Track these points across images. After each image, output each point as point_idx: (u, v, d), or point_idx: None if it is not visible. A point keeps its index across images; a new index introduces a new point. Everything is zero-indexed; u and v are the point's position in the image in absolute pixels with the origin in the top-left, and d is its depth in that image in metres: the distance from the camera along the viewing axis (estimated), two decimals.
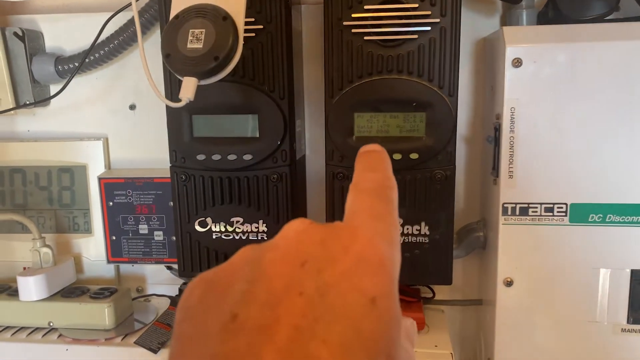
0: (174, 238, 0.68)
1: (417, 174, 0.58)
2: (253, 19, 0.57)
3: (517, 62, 0.55)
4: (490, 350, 0.61)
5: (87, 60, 0.68)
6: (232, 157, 0.60)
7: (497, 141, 0.58)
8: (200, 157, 0.60)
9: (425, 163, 0.58)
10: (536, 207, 0.57)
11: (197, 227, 0.63)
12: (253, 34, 0.57)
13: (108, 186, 0.71)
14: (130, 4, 0.56)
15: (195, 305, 0.21)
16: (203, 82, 0.44)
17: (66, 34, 0.72)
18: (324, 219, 0.63)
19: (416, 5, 0.54)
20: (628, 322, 0.57)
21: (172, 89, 0.60)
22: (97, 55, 0.68)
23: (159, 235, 0.71)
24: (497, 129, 0.57)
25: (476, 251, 0.68)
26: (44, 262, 0.69)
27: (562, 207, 0.56)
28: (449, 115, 0.56)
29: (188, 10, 0.44)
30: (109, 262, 0.73)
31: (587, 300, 0.57)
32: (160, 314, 0.70)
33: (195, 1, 0.45)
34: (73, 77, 0.68)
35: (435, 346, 0.61)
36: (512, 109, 0.55)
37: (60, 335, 0.67)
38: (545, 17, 0.60)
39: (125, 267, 0.77)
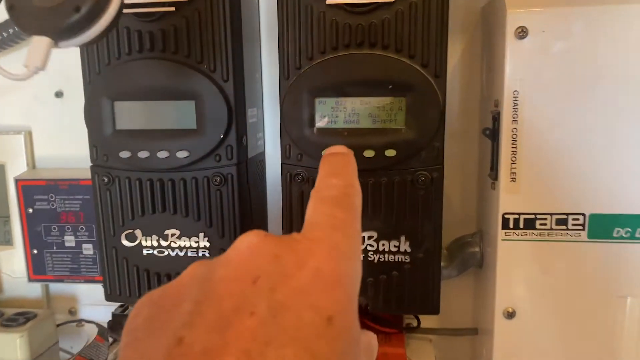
0: None
1: (395, 176, 0.46)
2: None
3: (521, 32, 0.42)
4: None
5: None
6: (163, 154, 0.48)
7: (495, 134, 0.46)
8: (125, 154, 0.48)
9: (405, 162, 0.45)
10: (545, 219, 0.45)
11: (124, 242, 0.51)
12: None
13: (27, 190, 0.59)
14: None
15: (140, 327, 0.20)
16: (63, 45, 0.32)
17: None
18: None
19: None
20: None
21: (89, 66, 0.48)
22: (11, 30, 0.56)
23: (88, 249, 0.59)
24: (496, 119, 0.45)
25: (471, 269, 0.56)
26: None
27: (578, 219, 0.44)
28: (435, 101, 0.44)
29: None
30: (30, 280, 0.61)
31: (609, 337, 0.45)
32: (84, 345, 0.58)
33: None
34: None
35: None
36: (515, 92, 0.43)
37: None
38: None
39: (56, 285, 0.65)
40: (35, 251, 0.60)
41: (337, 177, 0.26)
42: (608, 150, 0.43)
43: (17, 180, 0.59)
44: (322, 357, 0.17)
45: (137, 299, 0.51)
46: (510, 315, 0.46)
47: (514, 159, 0.44)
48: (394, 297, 0.48)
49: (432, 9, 0.43)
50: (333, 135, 0.45)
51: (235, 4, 0.47)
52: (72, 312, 0.65)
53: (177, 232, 0.50)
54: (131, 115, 0.48)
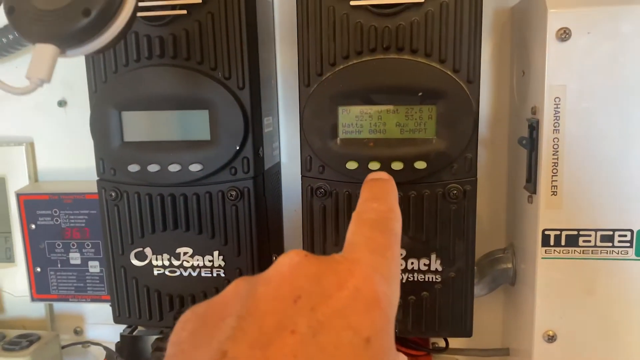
0: None
1: (425, 190, 0.42)
2: None
3: (563, 34, 0.39)
4: None
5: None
6: (174, 167, 0.44)
7: (533, 144, 0.42)
8: (133, 167, 0.45)
9: (436, 175, 0.42)
10: (589, 235, 0.41)
11: (134, 261, 0.47)
12: (199, 1, 0.42)
13: (29, 204, 0.55)
14: None
15: (185, 340, 0.20)
16: (70, 54, 0.28)
17: None
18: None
19: None
20: None
21: (95, 74, 0.45)
22: (10, 36, 0.53)
23: (94, 267, 0.56)
24: (534, 128, 0.42)
25: (501, 286, 0.52)
26: None
27: (625, 235, 0.41)
28: (467, 109, 0.41)
29: None
30: (33, 299, 0.57)
31: None
32: None
33: None
34: None
35: None
36: (557, 99, 0.40)
37: None
38: None
39: (60, 303, 0.62)
40: (38, 269, 0.57)
41: (378, 202, 0.27)
42: None
43: (18, 195, 0.56)
44: None
45: (148, 322, 0.49)
46: (550, 338, 0.43)
47: (555, 171, 0.41)
48: (424, 320, 0.45)
49: (465, 10, 0.40)
50: (358, 146, 0.42)
51: (250, 6, 0.44)
52: (77, 331, 0.62)
53: (190, 251, 0.46)
54: (140, 126, 0.45)
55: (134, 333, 0.53)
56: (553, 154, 0.41)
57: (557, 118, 0.40)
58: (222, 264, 0.46)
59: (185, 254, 0.47)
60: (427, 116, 0.41)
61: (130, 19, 0.28)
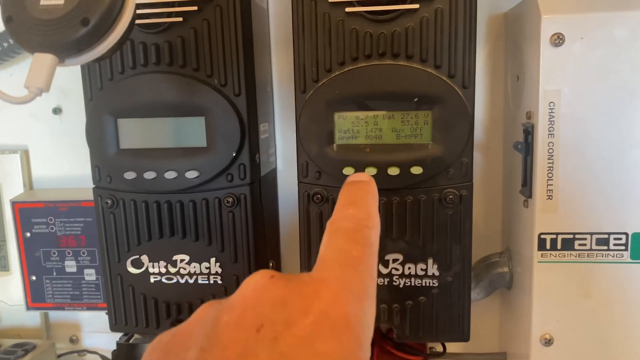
0: None
1: (422, 195, 0.43)
2: None
3: (557, 39, 0.39)
4: None
5: None
6: (171, 174, 0.44)
7: (528, 149, 0.42)
8: (130, 175, 0.45)
9: (432, 180, 0.42)
10: (585, 239, 0.42)
11: (130, 268, 0.47)
12: (195, 8, 0.42)
13: (24, 212, 0.55)
14: None
15: None
16: (69, 63, 0.28)
17: None
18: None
19: None
20: None
21: (91, 81, 0.45)
22: (5, 44, 0.53)
23: (90, 274, 0.56)
24: (530, 132, 0.42)
25: (498, 290, 0.52)
26: None
27: (620, 239, 0.41)
28: (463, 114, 0.41)
29: None
30: (28, 308, 0.57)
31: None
32: None
33: None
34: None
35: None
36: (551, 104, 0.40)
37: None
38: None
39: (56, 312, 0.61)
40: (33, 277, 0.56)
41: (355, 207, 0.25)
42: None
43: (13, 203, 0.55)
44: None
45: (145, 329, 0.48)
46: (548, 342, 0.43)
47: (550, 175, 0.41)
48: (422, 325, 0.45)
49: (459, 15, 0.40)
50: (354, 151, 0.42)
51: (246, 13, 0.44)
52: (73, 340, 0.62)
53: (187, 258, 0.46)
54: (136, 133, 0.45)
55: (131, 341, 0.52)
56: (548, 158, 0.41)
57: (552, 123, 0.40)
58: (219, 270, 0.46)
59: (182, 261, 0.46)
60: (423, 121, 0.42)
61: (129, 28, 0.28)
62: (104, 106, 0.44)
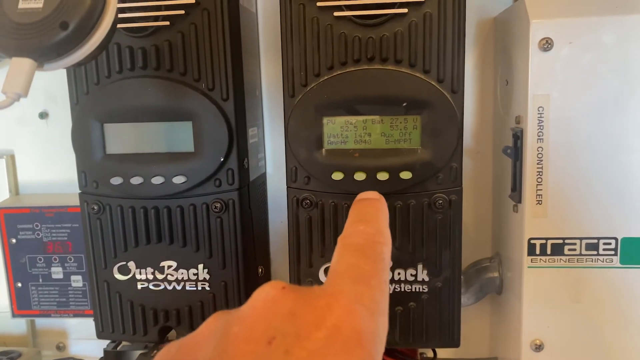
0: None
1: (411, 200, 0.42)
2: None
3: (545, 44, 0.39)
4: None
5: None
6: (158, 179, 0.44)
7: (518, 153, 0.42)
8: (116, 180, 0.44)
9: (421, 184, 0.42)
10: (574, 244, 0.42)
11: (117, 275, 0.47)
12: (182, 12, 0.42)
13: (9, 218, 0.54)
14: None
15: None
16: (48, 68, 0.28)
17: None
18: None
19: None
20: None
21: (76, 85, 0.44)
22: None
23: (77, 281, 0.55)
24: (519, 137, 0.42)
25: (488, 295, 0.52)
26: None
27: (610, 244, 0.41)
28: (452, 119, 0.41)
29: None
30: (14, 315, 0.56)
31: None
32: None
33: None
34: None
35: None
36: (540, 108, 0.40)
37: None
38: None
39: (42, 319, 0.60)
40: (19, 284, 0.56)
41: (366, 224, 0.25)
42: None
43: None
44: None
45: (132, 337, 0.48)
46: (538, 347, 0.43)
47: (539, 180, 0.41)
48: (412, 331, 0.44)
49: (448, 20, 0.40)
50: (343, 156, 0.42)
51: (234, 17, 0.44)
52: (60, 347, 0.61)
53: (174, 264, 0.46)
54: (123, 138, 0.44)
55: (118, 348, 0.52)
56: (537, 163, 0.41)
57: (541, 127, 0.40)
58: (207, 277, 0.46)
59: (169, 267, 0.46)
60: (412, 126, 0.41)
61: (110, 31, 0.27)
62: (90, 111, 0.44)
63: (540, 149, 0.41)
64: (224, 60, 0.43)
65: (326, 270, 0.44)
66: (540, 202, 0.41)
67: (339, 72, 0.41)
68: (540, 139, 0.40)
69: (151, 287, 0.46)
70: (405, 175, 0.41)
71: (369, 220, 0.26)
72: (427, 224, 0.43)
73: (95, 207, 0.45)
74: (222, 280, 0.45)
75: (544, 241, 0.42)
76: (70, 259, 0.55)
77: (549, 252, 0.42)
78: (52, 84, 0.56)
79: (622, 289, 0.41)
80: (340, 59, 0.41)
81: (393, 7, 0.40)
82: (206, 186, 0.44)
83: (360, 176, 0.42)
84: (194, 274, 0.46)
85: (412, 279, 0.44)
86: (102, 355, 0.52)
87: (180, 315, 0.46)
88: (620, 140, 0.40)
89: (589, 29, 0.39)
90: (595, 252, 0.41)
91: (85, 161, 0.45)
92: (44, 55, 0.26)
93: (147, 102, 0.43)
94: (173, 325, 0.47)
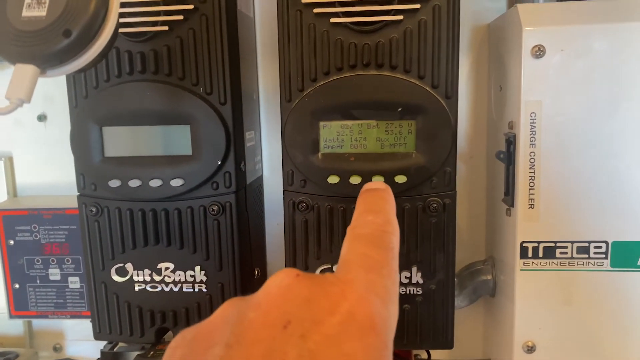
0: None
1: (405, 203, 0.43)
2: None
3: (538, 51, 0.40)
4: None
5: None
6: (155, 182, 0.44)
7: (510, 158, 0.43)
8: (114, 183, 0.45)
9: (416, 188, 0.43)
10: (566, 247, 0.42)
11: (115, 277, 0.47)
12: (181, 17, 0.42)
13: (8, 220, 0.55)
14: None
15: None
16: (51, 74, 0.28)
17: None
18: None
19: None
20: None
21: (76, 89, 0.45)
22: None
23: (74, 282, 0.55)
24: (512, 142, 0.43)
25: (482, 298, 0.53)
26: None
27: (601, 247, 0.42)
28: (446, 124, 0.41)
29: None
30: (11, 317, 0.57)
31: None
32: None
33: None
34: None
35: None
36: (533, 114, 0.41)
37: None
38: None
39: (39, 320, 0.61)
40: (17, 285, 0.56)
41: (374, 214, 0.25)
42: (632, 175, 0.40)
43: None
44: None
45: (129, 338, 0.48)
46: (530, 349, 0.43)
47: (532, 184, 0.42)
48: (406, 333, 0.45)
49: (443, 27, 0.41)
50: (339, 160, 0.43)
51: (232, 22, 0.44)
52: (57, 348, 0.61)
53: (172, 266, 0.46)
54: (121, 141, 0.45)
55: (115, 349, 0.52)
56: (530, 168, 0.42)
57: (534, 132, 0.41)
58: (204, 279, 0.46)
59: (166, 269, 0.46)
60: (407, 131, 0.42)
61: (112, 39, 0.28)
62: (89, 114, 0.44)
63: (532, 154, 0.41)
64: (222, 65, 0.43)
65: (322, 273, 0.44)
66: (532, 206, 0.42)
67: (335, 78, 0.42)
68: (532, 144, 0.41)
69: (148, 288, 0.47)
70: (400, 179, 0.42)
71: (378, 211, 0.26)
72: (421, 228, 0.43)
73: (94, 209, 0.46)
74: (218, 282, 0.46)
75: (536, 244, 0.42)
76: (68, 261, 0.55)
77: (541, 255, 0.42)
78: (50, 87, 0.56)
79: (613, 292, 0.42)
80: (336, 64, 0.42)
81: (389, 14, 0.40)
82: (203, 189, 0.45)
83: (355, 180, 0.42)
84: (191, 276, 0.46)
85: (407, 281, 0.44)
86: (99, 356, 0.53)
87: (177, 316, 0.47)
88: (611, 146, 0.40)
89: (581, 37, 0.39)
90: (586, 256, 0.42)
91: (84, 164, 0.45)
92: (47, 62, 0.27)
93: (145, 105, 0.43)
94: (170, 326, 0.47)
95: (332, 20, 0.41)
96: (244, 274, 0.46)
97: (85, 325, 0.59)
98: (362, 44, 0.41)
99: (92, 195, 0.46)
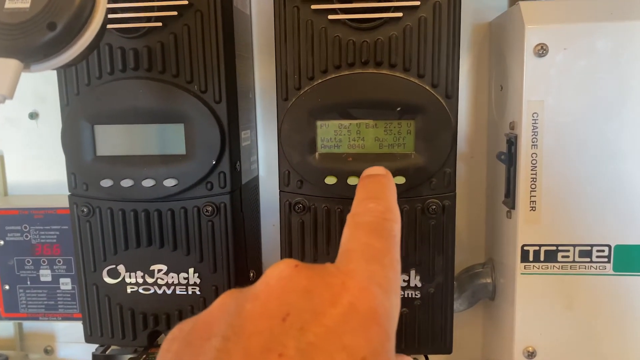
0: None
1: (404, 205, 0.42)
2: None
3: (540, 50, 0.39)
4: None
5: None
6: (148, 182, 0.43)
7: (512, 159, 0.42)
8: (106, 182, 0.44)
9: (415, 189, 0.42)
10: (568, 251, 0.41)
11: (106, 278, 0.46)
12: (175, 13, 0.41)
13: None
14: None
15: None
16: (35, 69, 0.27)
17: None
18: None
19: None
20: None
21: (67, 86, 0.44)
22: None
23: (66, 284, 0.54)
24: (513, 143, 0.42)
25: (481, 301, 0.52)
26: None
27: (603, 251, 0.41)
28: (446, 124, 0.40)
29: None
30: (1, 318, 0.55)
31: None
32: None
33: None
34: None
35: None
36: (535, 115, 0.40)
37: None
38: None
39: (30, 322, 0.60)
40: (7, 287, 0.55)
41: (375, 201, 0.25)
42: (636, 177, 0.40)
43: None
44: None
45: (121, 341, 0.47)
46: (530, 355, 0.42)
47: (533, 186, 0.41)
48: (404, 337, 0.44)
49: (443, 24, 0.40)
50: (336, 160, 0.42)
51: (227, 19, 0.43)
52: (48, 351, 0.60)
53: (164, 268, 0.45)
54: (113, 140, 0.44)
55: (107, 352, 0.51)
56: (531, 169, 0.41)
57: (535, 133, 0.40)
58: (198, 281, 0.45)
59: (159, 271, 0.45)
60: (406, 131, 0.41)
61: (99, 33, 0.27)
62: (81, 112, 0.43)
63: (534, 155, 0.40)
64: (217, 63, 0.42)
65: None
66: (533, 209, 0.41)
67: (333, 76, 0.41)
68: (534, 144, 0.40)
69: (141, 291, 0.46)
70: (399, 180, 0.41)
71: (378, 197, 0.25)
72: (420, 230, 0.42)
73: (85, 210, 0.45)
74: (212, 284, 0.45)
75: (537, 248, 0.41)
76: (59, 262, 0.54)
77: (542, 258, 0.42)
78: (42, 84, 0.55)
79: (616, 297, 0.41)
80: (334, 62, 0.41)
81: (388, 11, 0.39)
82: (197, 189, 0.44)
83: (353, 181, 0.41)
84: (185, 278, 0.45)
85: (405, 284, 0.43)
86: (90, 359, 0.51)
87: (170, 319, 0.46)
88: (615, 147, 0.40)
89: (584, 35, 0.38)
90: (588, 259, 0.41)
91: (75, 163, 0.44)
92: (31, 56, 0.26)
93: (138, 103, 0.42)
94: (163, 329, 0.46)
95: (330, 17, 0.40)
96: (238, 276, 0.45)
97: (76, 328, 0.58)
98: (360, 41, 0.40)
99: (84, 195, 0.45)
